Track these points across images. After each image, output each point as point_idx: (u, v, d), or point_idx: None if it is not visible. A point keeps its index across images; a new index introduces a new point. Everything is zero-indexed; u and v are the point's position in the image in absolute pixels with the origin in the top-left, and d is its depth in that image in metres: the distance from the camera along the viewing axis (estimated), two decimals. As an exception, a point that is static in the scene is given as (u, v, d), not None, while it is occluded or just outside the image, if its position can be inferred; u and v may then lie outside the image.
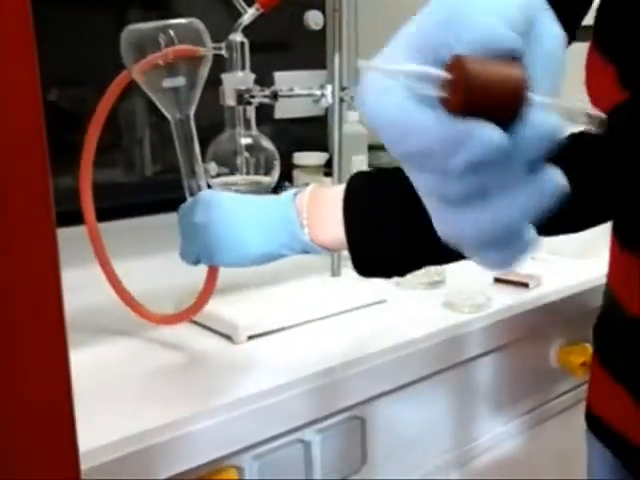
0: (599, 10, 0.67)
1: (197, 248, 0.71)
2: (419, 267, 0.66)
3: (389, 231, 0.63)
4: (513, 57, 0.31)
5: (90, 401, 0.69)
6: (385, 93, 0.32)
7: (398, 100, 0.31)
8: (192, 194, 0.76)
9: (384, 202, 0.63)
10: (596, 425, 0.79)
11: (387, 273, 0.67)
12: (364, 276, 0.66)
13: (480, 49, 0.30)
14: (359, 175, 0.66)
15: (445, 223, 0.34)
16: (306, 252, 0.68)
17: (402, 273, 0.67)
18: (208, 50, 0.75)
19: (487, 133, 0.30)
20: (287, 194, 0.68)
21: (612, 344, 0.76)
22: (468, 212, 0.32)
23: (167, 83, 0.73)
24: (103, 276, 0.83)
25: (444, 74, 0.30)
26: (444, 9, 0.33)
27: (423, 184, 0.33)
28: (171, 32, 0.72)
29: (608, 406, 0.77)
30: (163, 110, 0.76)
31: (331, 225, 0.64)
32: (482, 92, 0.30)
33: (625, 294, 0.70)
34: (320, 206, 0.66)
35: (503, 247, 0.33)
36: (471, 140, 0.30)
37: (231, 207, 0.69)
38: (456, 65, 0.30)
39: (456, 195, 0.32)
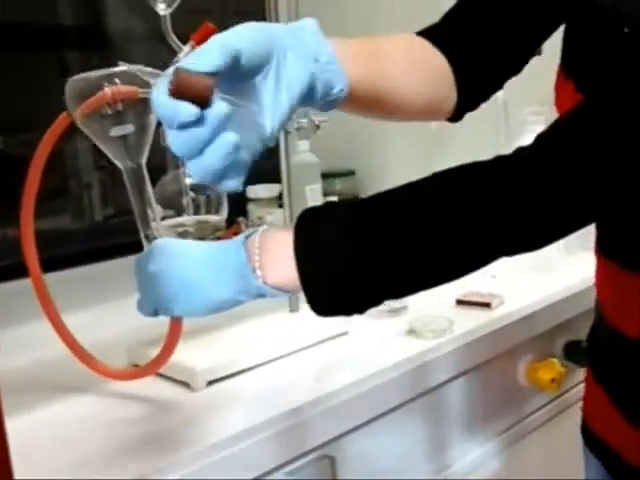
0: (564, 33, 0.75)
1: (153, 299, 0.68)
2: (378, 302, 0.64)
3: (343, 265, 0.60)
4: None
5: (48, 461, 0.67)
6: (156, 87, 0.54)
7: (159, 91, 0.54)
8: (150, 242, 0.73)
9: (334, 235, 0.61)
10: (591, 440, 0.79)
11: (345, 310, 0.64)
12: (322, 316, 0.64)
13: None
14: (307, 211, 0.64)
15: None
16: (262, 296, 0.65)
17: (361, 309, 0.64)
18: (147, 92, 0.73)
19: (186, 107, 0.53)
20: (239, 238, 0.66)
21: (604, 362, 0.75)
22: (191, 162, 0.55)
23: (115, 132, 0.71)
24: (53, 330, 0.81)
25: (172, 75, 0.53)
26: None
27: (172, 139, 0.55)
28: (116, 80, 0.70)
29: (602, 422, 0.77)
30: (113, 159, 0.74)
31: (284, 265, 0.62)
32: (185, 87, 0.52)
33: (615, 312, 0.70)
34: (272, 247, 0.64)
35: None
36: (178, 111, 0.53)
37: (186, 255, 0.67)
38: (176, 72, 0.53)
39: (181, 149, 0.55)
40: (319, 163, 1.34)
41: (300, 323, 0.94)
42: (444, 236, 0.59)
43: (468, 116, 0.93)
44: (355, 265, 0.60)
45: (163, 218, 0.80)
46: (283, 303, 0.96)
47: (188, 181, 0.82)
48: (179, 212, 0.82)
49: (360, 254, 0.59)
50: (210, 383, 0.82)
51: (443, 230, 0.59)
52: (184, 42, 0.85)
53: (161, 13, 0.80)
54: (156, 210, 0.75)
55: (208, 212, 0.84)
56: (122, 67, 0.72)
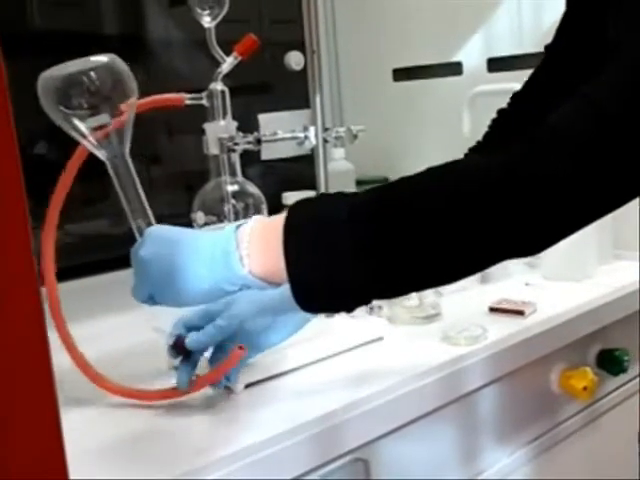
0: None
1: (145, 284, 0.68)
2: (367, 302, 0.61)
3: (333, 264, 0.58)
4: None
5: (85, 461, 0.68)
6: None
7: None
8: (141, 234, 0.72)
9: (327, 235, 0.58)
10: None
11: (332, 308, 0.62)
12: (307, 310, 0.61)
13: None
14: (299, 204, 0.62)
15: None
16: (247, 287, 0.64)
17: (350, 305, 0.61)
18: (192, 99, 0.75)
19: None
20: (231, 226, 0.65)
21: None
22: None
23: (91, 123, 0.70)
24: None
25: None
26: None
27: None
28: (92, 74, 0.69)
29: None
30: (93, 151, 0.73)
31: (272, 257, 0.60)
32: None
33: None
34: (261, 237, 0.62)
35: None
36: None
37: (177, 240, 0.66)
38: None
39: None
40: (354, 170, 1.36)
41: (336, 328, 0.95)
42: (441, 238, 0.57)
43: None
44: (345, 266, 0.58)
45: (205, 224, 0.82)
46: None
47: (230, 188, 0.84)
48: (220, 218, 0.84)
49: (352, 255, 0.57)
50: (248, 386, 0.83)
51: (440, 232, 0.57)
52: (222, 49, 0.88)
53: (206, 26, 0.83)
54: (144, 200, 0.74)
55: (247, 218, 0.86)
56: (97, 58, 0.71)
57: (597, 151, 0.55)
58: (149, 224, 0.73)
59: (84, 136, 0.71)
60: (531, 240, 0.58)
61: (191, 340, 0.75)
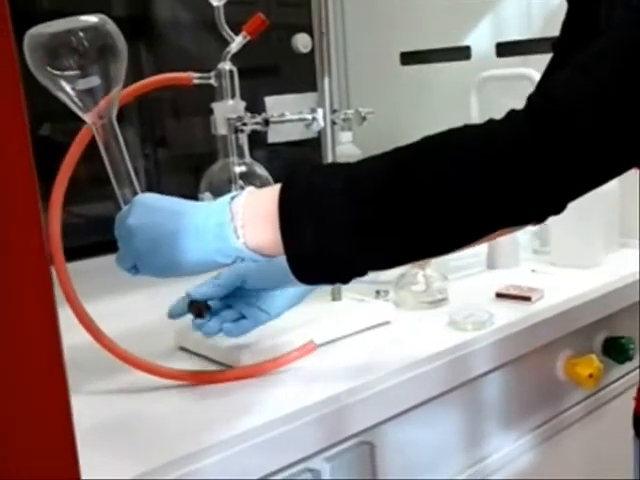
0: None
1: (131, 252, 0.66)
2: (365, 270, 0.61)
3: (331, 225, 0.57)
4: None
5: (90, 441, 0.69)
6: None
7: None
8: (126, 203, 0.71)
9: (324, 192, 0.58)
10: None
11: (330, 275, 0.61)
12: (303, 281, 0.61)
13: None
14: (297, 171, 0.61)
15: None
16: (241, 259, 0.63)
17: (346, 277, 0.61)
18: (200, 78, 0.74)
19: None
20: (225, 197, 0.64)
21: None
22: None
23: (81, 85, 0.68)
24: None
25: None
26: None
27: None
28: (80, 34, 0.66)
29: None
30: (81, 115, 0.71)
31: (268, 227, 0.59)
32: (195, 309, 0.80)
33: None
34: (256, 208, 0.61)
35: None
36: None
37: (167, 209, 0.65)
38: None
39: None
40: (361, 155, 1.35)
41: (342, 312, 0.95)
42: (443, 206, 0.56)
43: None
44: (341, 237, 0.58)
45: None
46: (326, 291, 0.98)
47: (237, 170, 0.83)
48: (228, 200, 0.84)
49: (348, 226, 0.57)
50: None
51: (442, 200, 0.56)
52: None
53: (215, 4, 0.82)
54: (130, 168, 0.72)
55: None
56: (87, 17, 0.68)
57: (593, 117, 0.54)
58: (134, 192, 0.71)
59: (70, 98, 0.69)
60: (528, 206, 0.58)
61: (196, 292, 0.78)
